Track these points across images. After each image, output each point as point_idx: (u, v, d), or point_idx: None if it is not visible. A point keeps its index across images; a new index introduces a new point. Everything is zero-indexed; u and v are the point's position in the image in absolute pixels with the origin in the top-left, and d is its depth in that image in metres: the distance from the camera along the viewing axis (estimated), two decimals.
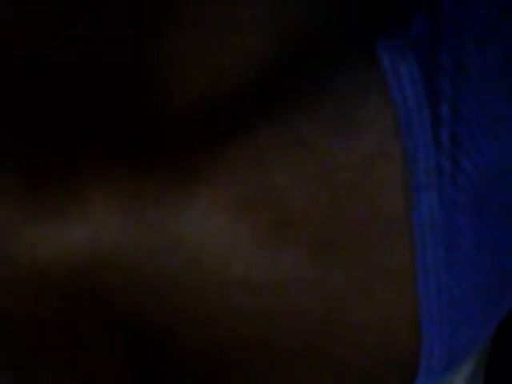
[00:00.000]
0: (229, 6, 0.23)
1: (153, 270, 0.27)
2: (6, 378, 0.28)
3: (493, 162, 0.29)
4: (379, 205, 0.28)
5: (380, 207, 0.28)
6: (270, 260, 0.27)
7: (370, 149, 0.27)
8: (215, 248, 0.27)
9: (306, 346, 0.28)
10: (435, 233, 0.28)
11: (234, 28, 0.24)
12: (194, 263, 0.27)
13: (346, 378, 0.29)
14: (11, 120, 0.26)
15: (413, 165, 0.28)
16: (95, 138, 0.26)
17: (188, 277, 0.27)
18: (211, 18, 0.24)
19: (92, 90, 0.25)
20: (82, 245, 0.27)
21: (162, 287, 0.27)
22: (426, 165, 0.28)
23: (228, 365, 0.28)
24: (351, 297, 0.28)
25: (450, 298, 0.29)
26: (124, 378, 0.29)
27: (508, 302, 0.31)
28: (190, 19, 0.24)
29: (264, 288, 0.27)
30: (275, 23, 0.25)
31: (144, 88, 0.25)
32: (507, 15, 0.28)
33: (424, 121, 0.28)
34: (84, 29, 0.23)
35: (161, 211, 0.27)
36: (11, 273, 0.26)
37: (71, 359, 0.28)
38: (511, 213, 0.29)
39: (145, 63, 0.24)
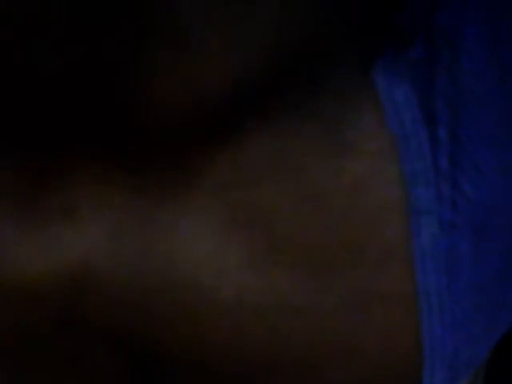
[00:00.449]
0: (227, 5, 0.23)
1: (144, 290, 0.27)
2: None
3: (494, 186, 0.28)
4: (376, 229, 0.27)
5: (377, 232, 0.27)
6: (263, 284, 0.27)
7: (363, 171, 0.27)
8: (207, 270, 0.27)
9: (303, 371, 0.28)
10: (436, 258, 0.28)
11: (230, 26, 0.24)
12: (187, 286, 0.27)
13: None
14: (5, 126, 0.26)
15: (412, 190, 0.27)
16: (87, 147, 0.26)
17: (180, 298, 0.27)
18: (208, 16, 0.23)
19: (85, 93, 0.24)
20: (73, 260, 0.26)
21: (154, 306, 0.27)
22: (426, 190, 0.28)
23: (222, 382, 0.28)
24: (349, 322, 0.28)
25: (452, 320, 0.29)
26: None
27: (508, 318, 0.31)
28: (186, 16, 0.23)
29: (257, 312, 0.27)
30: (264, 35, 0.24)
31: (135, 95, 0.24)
32: (503, 37, 0.28)
33: (421, 145, 0.27)
34: (82, 31, 0.23)
35: (153, 230, 0.27)
36: None
37: (66, 370, 0.28)
38: (509, 241, 0.29)
39: (139, 64, 0.24)
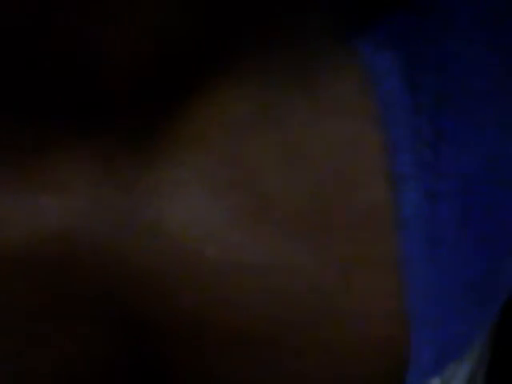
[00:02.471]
0: None
1: (130, 255, 0.27)
2: None
3: (478, 154, 0.28)
4: (360, 192, 0.27)
5: (361, 195, 0.27)
6: (246, 242, 0.27)
7: (346, 133, 0.27)
8: (193, 232, 0.27)
9: (294, 332, 0.28)
10: (419, 225, 0.28)
11: None
12: (172, 248, 0.27)
13: (332, 366, 0.28)
14: None
15: (394, 155, 0.28)
16: (60, 118, 0.26)
17: (166, 261, 0.27)
18: None
19: (43, 60, 0.25)
20: (59, 227, 0.27)
21: (140, 271, 0.27)
22: (408, 155, 0.28)
23: (211, 346, 0.28)
24: (336, 284, 0.27)
25: (437, 290, 0.29)
26: (112, 361, 0.28)
27: (498, 297, 0.31)
28: None
29: (240, 270, 0.27)
30: None
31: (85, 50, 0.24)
32: (494, 8, 0.28)
33: (405, 111, 0.28)
34: None
35: (136, 195, 0.27)
36: None
37: (53, 343, 0.28)
38: (497, 207, 0.29)
39: (84, 23, 0.24)
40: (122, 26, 0.24)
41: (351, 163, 0.27)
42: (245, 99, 0.27)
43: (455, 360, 0.32)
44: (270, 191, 0.27)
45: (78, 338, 0.28)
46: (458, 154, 0.28)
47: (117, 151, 0.26)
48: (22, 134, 0.26)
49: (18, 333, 0.27)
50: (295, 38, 0.27)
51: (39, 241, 0.26)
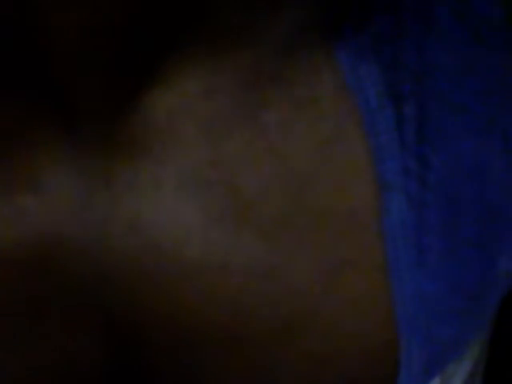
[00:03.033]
0: None
1: (108, 253, 0.27)
2: None
3: (462, 158, 0.28)
4: (342, 195, 0.27)
5: (343, 198, 0.27)
6: (230, 243, 0.27)
7: (328, 135, 0.27)
8: (171, 231, 0.26)
9: (272, 335, 0.27)
10: (406, 233, 0.28)
11: None
12: (150, 248, 0.26)
13: (318, 374, 0.28)
14: None
15: (379, 164, 0.27)
16: (37, 113, 0.26)
17: (146, 258, 0.26)
18: None
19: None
20: (39, 230, 0.26)
21: (120, 273, 0.27)
22: (392, 165, 0.27)
23: (193, 347, 0.27)
24: (317, 286, 0.27)
25: (425, 295, 0.29)
26: (93, 366, 0.28)
27: (490, 299, 0.31)
28: None
29: (224, 272, 0.27)
30: None
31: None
32: (474, 13, 0.28)
33: (387, 120, 0.27)
34: None
35: (114, 194, 0.26)
36: None
37: (29, 348, 0.27)
38: (482, 209, 0.29)
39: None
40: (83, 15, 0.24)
41: (333, 165, 0.27)
42: (219, 95, 0.26)
43: (452, 361, 0.31)
44: (247, 192, 0.27)
45: (56, 343, 0.27)
46: (443, 162, 0.28)
47: (92, 150, 0.26)
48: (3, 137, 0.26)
49: None
50: (270, 34, 0.26)
51: (17, 243, 0.26)
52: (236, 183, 0.26)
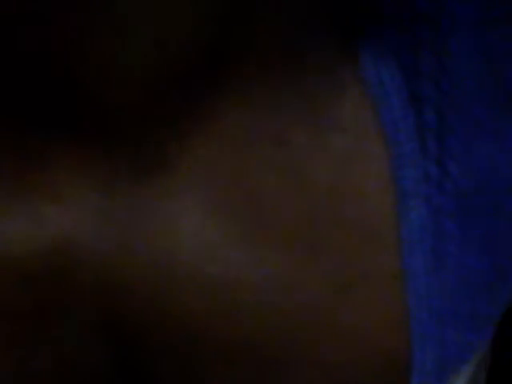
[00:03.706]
0: None
1: (128, 269, 0.27)
2: None
3: (480, 165, 0.28)
4: (362, 207, 0.27)
5: (363, 210, 0.27)
6: (250, 260, 0.27)
7: (348, 148, 0.27)
8: (190, 248, 0.27)
9: (290, 349, 0.28)
10: (423, 239, 0.28)
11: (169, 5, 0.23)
12: (170, 264, 0.27)
13: (329, 381, 0.28)
14: None
15: (400, 172, 0.28)
16: (64, 129, 0.26)
17: (162, 277, 0.27)
18: None
19: (42, 79, 0.25)
20: (58, 237, 0.26)
21: (136, 285, 0.27)
22: (414, 172, 0.28)
23: (206, 365, 0.28)
24: (336, 299, 0.27)
25: (440, 303, 0.29)
26: (99, 371, 0.28)
27: (501, 305, 0.31)
28: None
29: (243, 288, 0.27)
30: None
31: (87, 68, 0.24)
32: (491, 18, 0.28)
33: (409, 127, 0.28)
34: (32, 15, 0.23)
35: (135, 209, 0.26)
36: None
37: (45, 352, 0.28)
38: (498, 214, 0.29)
39: (87, 44, 0.24)
40: (128, 42, 0.24)
41: (354, 180, 0.27)
42: (244, 117, 0.26)
43: (464, 364, 0.32)
44: (267, 209, 0.27)
45: (66, 349, 0.28)
46: (461, 167, 0.28)
47: (119, 167, 0.26)
48: (23, 146, 0.26)
49: (5, 339, 0.27)
50: (293, 50, 0.26)
51: (37, 251, 0.26)
52: (256, 201, 0.27)
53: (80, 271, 0.27)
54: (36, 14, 0.23)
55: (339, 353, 0.28)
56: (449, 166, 0.28)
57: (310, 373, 0.28)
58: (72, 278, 0.27)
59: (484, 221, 0.29)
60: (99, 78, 0.25)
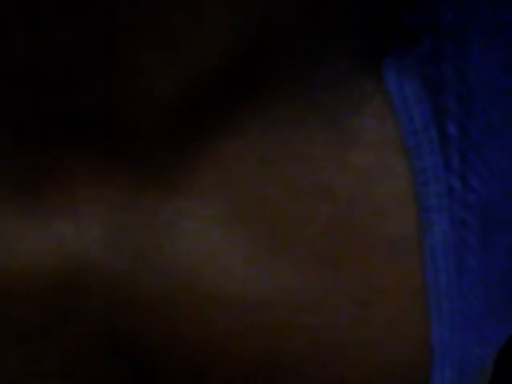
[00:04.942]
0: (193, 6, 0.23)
1: (145, 288, 0.26)
2: None
3: (500, 178, 0.28)
4: (383, 223, 0.27)
5: (385, 226, 0.27)
6: (269, 279, 0.27)
7: (368, 164, 0.27)
8: (211, 267, 0.26)
9: (311, 367, 0.27)
10: (447, 255, 0.28)
11: (199, 27, 0.23)
12: (189, 283, 0.26)
13: None
14: (8, 121, 0.25)
15: (423, 187, 0.27)
16: (82, 143, 0.26)
17: (182, 297, 0.26)
18: (174, 16, 0.23)
19: (70, 91, 0.25)
20: (73, 256, 0.26)
21: (155, 305, 0.26)
22: (437, 187, 0.27)
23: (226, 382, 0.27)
24: (356, 316, 0.27)
25: (462, 320, 0.29)
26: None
27: None
28: (154, 18, 0.23)
29: (263, 309, 0.27)
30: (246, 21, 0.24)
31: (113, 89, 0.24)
32: (508, 26, 0.27)
33: (432, 141, 0.27)
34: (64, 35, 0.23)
35: (153, 228, 0.26)
36: None
37: (58, 366, 0.27)
38: None
39: (113, 67, 0.24)
40: (158, 74, 0.24)
41: (375, 195, 0.27)
42: (264, 133, 0.26)
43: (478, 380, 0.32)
44: (288, 227, 0.26)
45: (74, 360, 0.27)
46: (483, 180, 0.28)
47: (138, 182, 0.26)
48: (40, 162, 0.26)
49: (16, 350, 0.27)
50: (312, 65, 0.26)
51: (49, 264, 0.26)
52: (278, 217, 0.26)
53: (94, 291, 0.26)
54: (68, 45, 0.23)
55: (359, 369, 0.28)
56: (471, 179, 0.28)
57: None
58: (86, 298, 0.26)
59: (506, 233, 0.29)
60: (122, 97, 0.24)
